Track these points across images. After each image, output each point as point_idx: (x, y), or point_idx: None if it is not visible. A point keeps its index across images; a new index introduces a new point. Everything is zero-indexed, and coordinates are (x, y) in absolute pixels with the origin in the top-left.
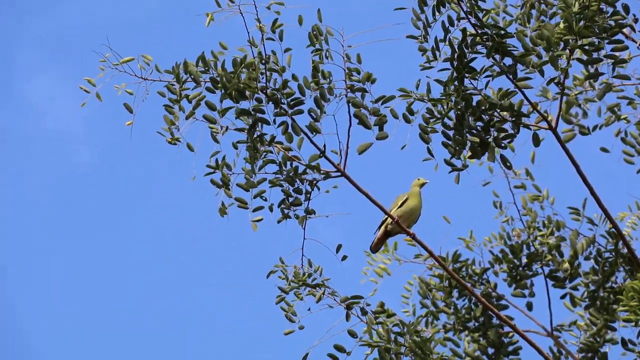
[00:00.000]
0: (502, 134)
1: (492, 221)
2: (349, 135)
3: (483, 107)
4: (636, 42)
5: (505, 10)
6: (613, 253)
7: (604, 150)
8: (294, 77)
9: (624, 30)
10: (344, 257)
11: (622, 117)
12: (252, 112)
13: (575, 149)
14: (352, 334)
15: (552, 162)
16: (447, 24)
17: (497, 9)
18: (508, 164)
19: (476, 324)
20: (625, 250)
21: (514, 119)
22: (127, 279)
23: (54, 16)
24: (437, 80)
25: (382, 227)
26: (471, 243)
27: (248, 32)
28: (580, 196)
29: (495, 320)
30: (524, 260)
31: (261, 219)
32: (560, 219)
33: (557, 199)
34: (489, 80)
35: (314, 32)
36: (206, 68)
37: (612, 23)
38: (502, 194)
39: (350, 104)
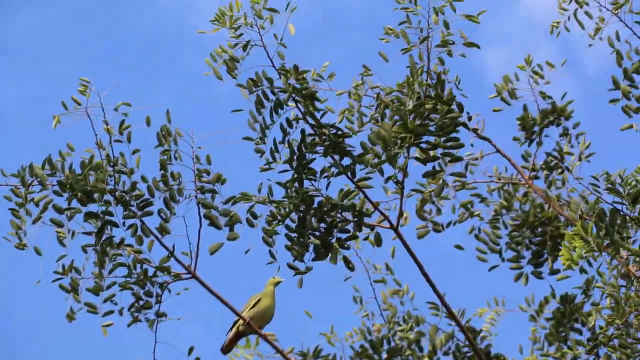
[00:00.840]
0: (345, 235)
1: (353, 316)
2: (199, 237)
3: (325, 208)
4: (479, 136)
5: (359, 111)
6: (471, 348)
7: (458, 247)
8: (143, 179)
9: (476, 129)
10: None
11: (475, 213)
12: (101, 215)
13: (430, 245)
14: None
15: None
16: (285, 126)
17: (352, 110)
18: (351, 266)
19: None
20: (484, 346)
21: (356, 219)
22: None
23: None
24: (278, 183)
25: (234, 328)
26: (332, 338)
27: (95, 134)
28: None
29: None
30: (384, 355)
31: (111, 324)
32: (420, 314)
33: (417, 293)
34: (329, 181)
35: (163, 133)
36: (53, 171)
37: (447, 121)
38: (362, 289)
39: (200, 205)
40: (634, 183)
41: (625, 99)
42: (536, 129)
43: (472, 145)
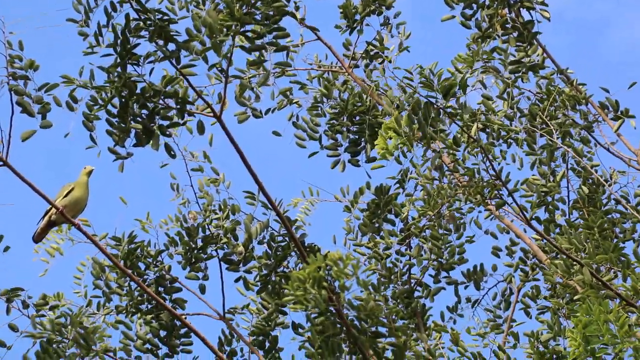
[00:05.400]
0: (167, 122)
1: (169, 203)
2: (11, 124)
3: (147, 94)
4: (305, 25)
5: None
6: (286, 238)
7: (275, 133)
8: None
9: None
10: (6, 248)
11: (294, 101)
12: None
13: (249, 132)
14: (13, 328)
15: (230, 145)
16: (109, 9)
17: None
18: (172, 153)
19: (149, 306)
20: (298, 235)
21: (178, 106)
22: None
23: None
24: (100, 67)
25: (46, 217)
26: (147, 225)
27: None
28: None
29: (168, 303)
30: (200, 243)
31: None
32: (236, 203)
33: (233, 183)
34: (153, 67)
35: None
36: None
37: (273, 10)
38: (179, 176)
39: (12, 92)
40: (447, 76)
41: None
42: (357, 17)
43: (301, 36)
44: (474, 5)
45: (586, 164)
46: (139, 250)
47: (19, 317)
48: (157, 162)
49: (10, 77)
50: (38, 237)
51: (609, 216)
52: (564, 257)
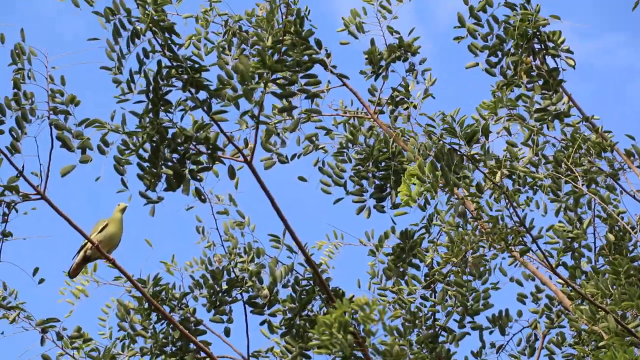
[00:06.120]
0: (198, 167)
1: (195, 246)
2: (50, 158)
3: (179, 140)
4: (333, 73)
5: (206, 38)
6: (311, 281)
7: (301, 179)
8: None
9: (327, 60)
10: (41, 280)
11: (320, 146)
12: None
13: (276, 177)
14: (46, 359)
15: (255, 189)
16: (142, 56)
17: (199, 36)
18: (202, 197)
19: (174, 348)
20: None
21: (209, 151)
22: None
23: None
24: (133, 112)
25: (82, 252)
26: (172, 267)
27: None
28: (281, 224)
29: (193, 345)
30: (224, 285)
31: None
32: (261, 246)
33: (258, 226)
34: (184, 113)
35: (17, 51)
36: None
37: (306, 58)
38: (205, 219)
39: (52, 126)
40: (471, 122)
41: (471, 37)
42: (383, 63)
43: (328, 82)
44: (499, 53)
45: (612, 212)
46: (163, 293)
47: (52, 348)
48: (183, 205)
49: (51, 112)
50: (73, 273)
51: (636, 263)
52: (590, 303)
